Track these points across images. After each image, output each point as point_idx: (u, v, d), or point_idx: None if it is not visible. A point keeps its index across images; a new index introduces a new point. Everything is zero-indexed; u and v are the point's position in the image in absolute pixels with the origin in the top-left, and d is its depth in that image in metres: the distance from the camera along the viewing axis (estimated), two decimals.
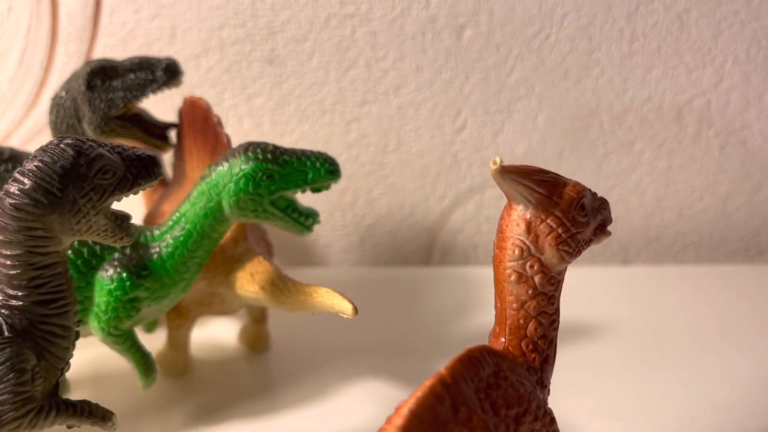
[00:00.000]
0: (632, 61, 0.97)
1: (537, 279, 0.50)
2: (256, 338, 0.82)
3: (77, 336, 0.57)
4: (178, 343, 0.77)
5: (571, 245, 0.50)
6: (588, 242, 0.52)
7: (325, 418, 0.72)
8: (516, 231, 0.50)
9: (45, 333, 0.54)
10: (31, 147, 0.88)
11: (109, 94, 0.75)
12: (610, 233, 0.53)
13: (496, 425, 0.45)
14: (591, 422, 0.70)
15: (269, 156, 0.66)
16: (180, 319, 0.75)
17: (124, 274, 0.66)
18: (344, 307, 0.65)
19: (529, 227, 0.49)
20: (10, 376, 0.52)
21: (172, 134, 0.81)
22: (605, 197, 0.53)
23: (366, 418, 0.71)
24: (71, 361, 0.57)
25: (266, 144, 0.67)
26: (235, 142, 0.70)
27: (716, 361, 0.80)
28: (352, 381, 0.77)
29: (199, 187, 0.67)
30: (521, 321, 0.51)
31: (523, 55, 0.96)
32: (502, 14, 0.94)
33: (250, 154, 0.66)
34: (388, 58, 0.96)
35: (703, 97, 0.98)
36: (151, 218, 0.80)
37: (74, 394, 0.72)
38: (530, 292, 0.50)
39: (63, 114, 0.76)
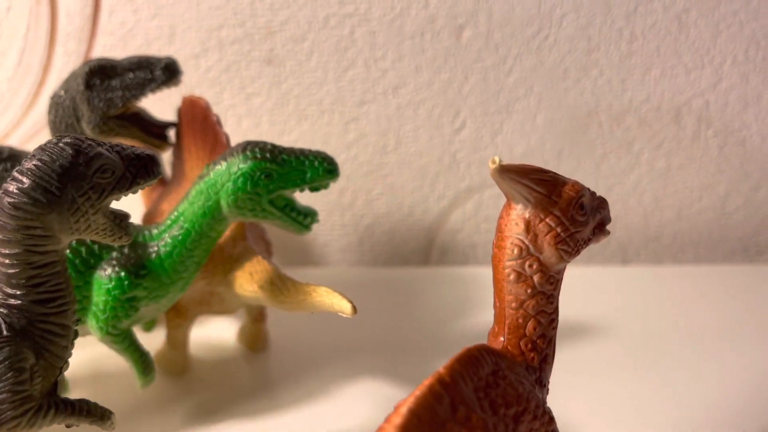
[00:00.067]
0: (631, 61, 0.97)
1: (536, 278, 0.50)
2: (254, 337, 0.82)
3: (76, 335, 0.57)
4: (176, 342, 0.77)
5: (570, 244, 0.50)
6: (587, 241, 0.52)
7: (324, 417, 0.72)
8: (515, 230, 0.50)
9: (44, 332, 0.54)
10: (30, 146, 0.88)
11: (108, 93, 0.75)
12: (608, 233, 0.54)
13: (495, 424, 0.45)
14: (590, 421, 0.70)
15: (268, 155, 0.66)
16: (179, 319, 0.75)
17: (123, 274, 0.66)
18: (343, 306, 0.65)
19: (528, 226, 0.49)
20: (9, 375, 0.52)
21: (171, 133, 0.81)
22: (604, 197, 0.53)
23: (365, 418, 0.71)
24: (70, 360, 0.57)
25: (265, 143, 0.67)
26: (234, 141, 0.70)
27: (715, 361, 0.80)
28: (351, 380, 0.77)
29: (198, 186, 0.67)
30: (520, 320, 0.51)
31: (522, 56, 0.96)
32: (501, 15, 0.94)
33: (248, 153, 0.65)
34: (386, 58, 0.96)
35: (702, 97, 0.98)
36: (149, 217, 0.80)
37: (73, 393, 0.72)
38: (529, 291, 0.50)
39: (62, 113, 0.76)
